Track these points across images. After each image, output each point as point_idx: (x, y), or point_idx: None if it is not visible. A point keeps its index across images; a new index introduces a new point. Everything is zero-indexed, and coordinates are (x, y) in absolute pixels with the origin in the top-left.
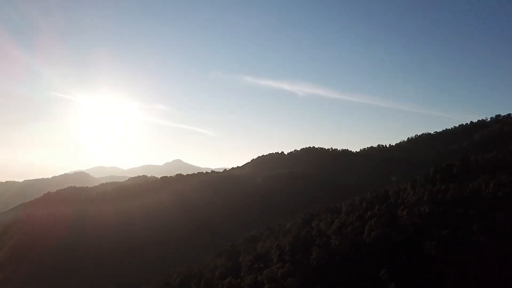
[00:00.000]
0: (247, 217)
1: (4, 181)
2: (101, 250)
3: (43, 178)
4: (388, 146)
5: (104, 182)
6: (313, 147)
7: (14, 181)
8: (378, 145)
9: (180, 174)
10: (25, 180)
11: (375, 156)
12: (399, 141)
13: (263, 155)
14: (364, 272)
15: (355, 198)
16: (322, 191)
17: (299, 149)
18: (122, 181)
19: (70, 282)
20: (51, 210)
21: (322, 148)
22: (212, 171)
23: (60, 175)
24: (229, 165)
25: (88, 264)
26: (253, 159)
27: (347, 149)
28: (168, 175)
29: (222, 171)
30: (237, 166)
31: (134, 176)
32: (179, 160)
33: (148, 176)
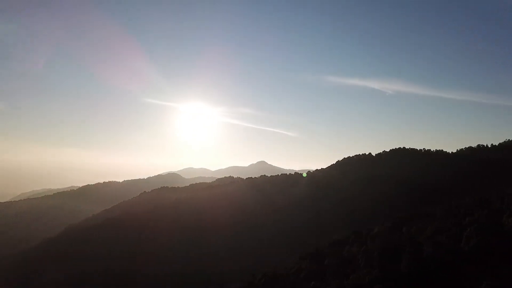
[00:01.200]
0: (332, 220)
1: (107, 181)
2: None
3: (140, 179)
4: (489, 146)
5: (194, 183)
6: (403, 147)
7: (115, 181)
8: (478, 145)
9: (264, 175)
10: (124, 180)
11: (473, 157)
12: (503, 141)
13: (349, 156)
14: (461, 283)
15: (451, 202)
16: (413, 194)
17: (388, 150)
18: (210, 181)
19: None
20: (143, 208)
21: (413, 148)
22: (296, 173)
23: (155, 175)
24: (313, 167)
25: (169, 262)
26: (338, 160)
27: (442, 150)
28: (253, 176)
29: (306, 173)
30: (321, 168)
31: (221, 176)
32: (263, 162)
33: (234, 177)
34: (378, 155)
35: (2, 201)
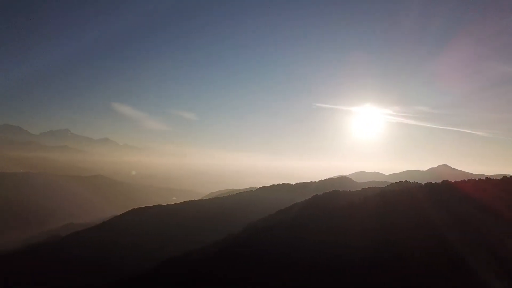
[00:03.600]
0: None
1: (281, 183)
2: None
3: (311, 181)
4: None
5: (366, 187)
6: None
7: (288, 184)
8: None
9: (447, 180)
10: (297, 183)
11: None
12: None
13: None
14: None
15: None
16: None
17: None
18: (383, 186)
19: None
20: (314, 210)
21: None
22: (487, 178)
23: (326, 179)
24: (510, 171)
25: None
26: None
27: None
28: (433, 181)
29: (501, 178)
30: None
31: (395, 181)
32: (445, 165)
33: (411, 182)
34: None
35: (196, 199)
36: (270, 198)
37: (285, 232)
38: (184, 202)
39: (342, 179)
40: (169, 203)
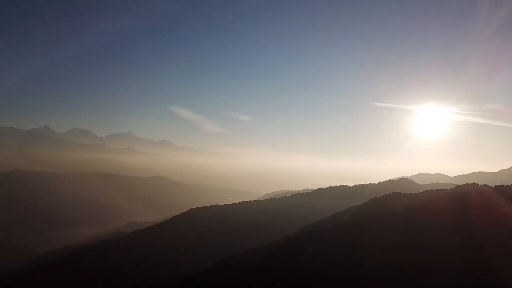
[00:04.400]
0: None
1: (338, 185)
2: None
3: (370, 183)
4: None
5: (428, 189)
6: None
7: (346, 185)
8: None
9: None
10: (355, 184)
11: None
12: None
13: None
14: None
15: None
16: None
17: None
18: (448, 188)
19: None
20: (373, 212)
21: None
22: None
23: (386, 180)
24: None
25: None
26: None
27: None
28: (504, 184)
29: None
30: None
31: (462, 184)
32: None
33: (479, 184)
34: None
35: (252, 199)
36: (327, 200)
37: (343, 235)
38: (240, 202)
39: (403, 181)
40: (226, 203)
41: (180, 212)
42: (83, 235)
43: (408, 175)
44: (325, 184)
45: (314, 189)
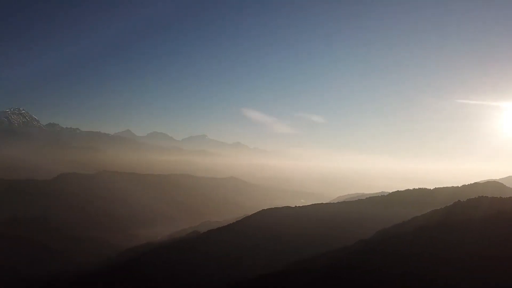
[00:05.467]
0: None
1: (417, 187)
2: None
3: (453, 187)
4: None
5: None
6: None
7: (425, 188)
8: None
9: None
10: (435, 187)
11: None
12: None
13: None
14: None
15: None
16: None
17: None
18: None
19: None
20: (457, 218)
21: None
22: None
23: (470, 183)
24: None
25: None
26: None
27: None
28: None
29: None
30: None
31: None
32: None
33: None
34: None
35: (324, 202)
36: (404, 203)
37: (421, 241)
38: (312, 204)
39: (490, 184)
40: (297, 205)
41: (252, 213)
42: (162, 233)
43: (497, 178)
44: (401, 187)
45: (391, 191)
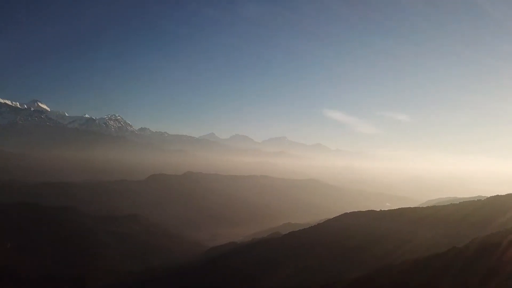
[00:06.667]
0: None
1: None
2: None
3: None
4: None
5: None
6: None
7: None
8: None
9: None
10: None
11: None
12: None
13: None
14: None
15: None
16: None
17: None
18: None
19: None
20: None
21: None
22: None
23: None
24: None
25: None
26: None
27: None
28: None
29: None
30: None
31: None
32: None
33: None
34: None
35: (412, 206)
36: (504, 209)
37: None
38: (399, 208)
39: None
40: (382, 209)
41: (334, 216)
42: (244, 233)
43: None
44: (502, 191)
45: (489, 196)
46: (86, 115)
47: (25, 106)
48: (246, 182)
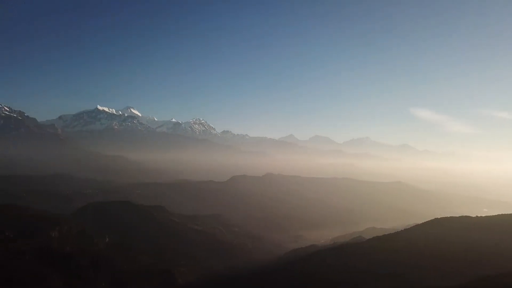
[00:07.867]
0: None
1: None
2: None
3: None
4: None
5: None
6: None
7: None
8: None
9: None
10: None
11: None
12: None
13: None
14: None
15: None
16: None
17: None
18: None
19: None
20: None
21: None
22: None
23: None
24: None
25: None
26: None
27: None
28: None
29: None
30: None
31: None
32: None
33: None
34: None
35: None
36: None
37: None
38: (498, 215)
39: None
40: (478, 215)
41: (423, 221)
42: (325, 236)
43: None
44: None
45: None
46: (173, 120)
47: (120, 113)
48: (327, 184)
